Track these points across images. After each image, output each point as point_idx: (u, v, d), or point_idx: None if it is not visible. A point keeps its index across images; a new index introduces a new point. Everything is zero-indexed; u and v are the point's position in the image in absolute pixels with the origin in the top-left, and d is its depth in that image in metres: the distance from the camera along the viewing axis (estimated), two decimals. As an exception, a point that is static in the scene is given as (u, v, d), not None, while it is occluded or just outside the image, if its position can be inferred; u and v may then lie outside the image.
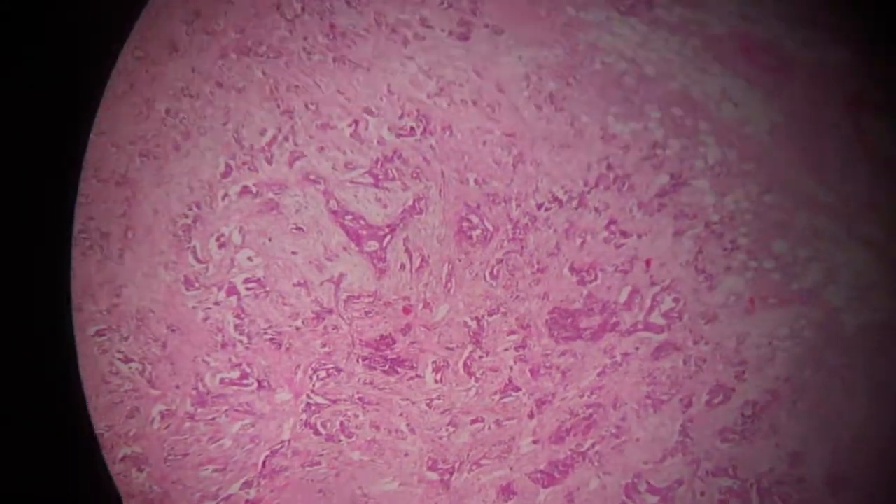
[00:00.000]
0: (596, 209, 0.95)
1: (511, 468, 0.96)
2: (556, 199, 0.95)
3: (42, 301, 0.95)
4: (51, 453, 0.96)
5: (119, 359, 0.96)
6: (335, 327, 0.97)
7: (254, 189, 0.97)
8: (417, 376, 0.97)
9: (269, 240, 0.97)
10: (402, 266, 0.97)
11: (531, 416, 0.96)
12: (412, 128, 0.96)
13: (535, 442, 0.96)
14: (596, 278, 0.96)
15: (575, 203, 0.95)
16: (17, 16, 0.89)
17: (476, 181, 0.96)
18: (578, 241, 0.95)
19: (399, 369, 0.97)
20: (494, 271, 0.96)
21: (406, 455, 0.96)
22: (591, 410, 0.96)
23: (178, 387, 0.96)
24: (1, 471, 0.94)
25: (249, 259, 0.97)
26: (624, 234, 0.95)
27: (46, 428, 0.96)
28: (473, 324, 0.96)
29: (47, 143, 0.95)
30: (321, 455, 0.96)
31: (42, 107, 0.94)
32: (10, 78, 0.92)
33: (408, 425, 0.96)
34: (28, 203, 0.94)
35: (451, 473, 0.96)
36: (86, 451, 0.96)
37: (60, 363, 0.95)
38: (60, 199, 0.95)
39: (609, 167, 0.95)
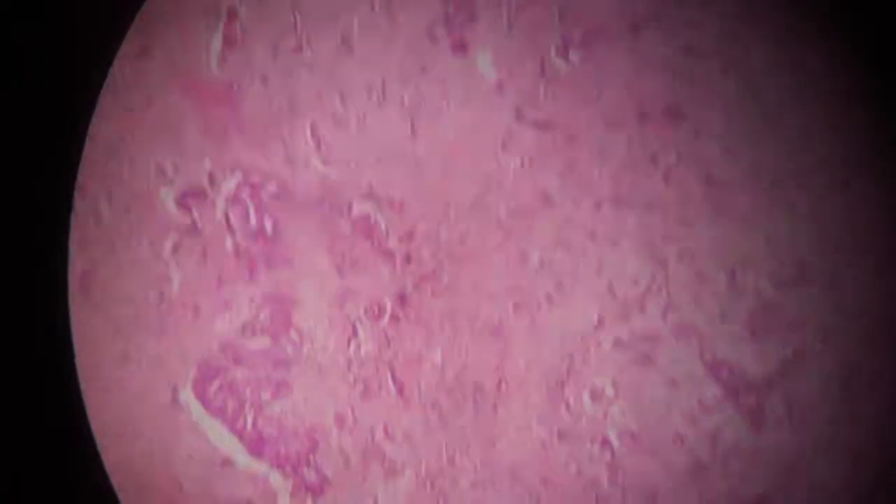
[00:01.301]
0: None
1: None
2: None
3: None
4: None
5: (493, 513, 0.95)
6: (712, 484, 0.94)
7: (627, 340, 0.95)
8: (800, 536, 0.93)
9: (643, 392, 0.95)
10: (779, 421, 0.94)
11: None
12: (795, 278, 0.94)
13: None
14: None
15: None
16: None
17: (859, 334, 0.93)
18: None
19: (781, 528, 0.93)
20: (883, 429, 0.93)
21: None
22: None
23: (552, 543, 0.95)
24: None
25: (623, 412, 0.95)
26: None
27: None
28: (860, 483, 0.93)
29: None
30: None
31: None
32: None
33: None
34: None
35: None
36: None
37: None
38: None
39: None
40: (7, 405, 0.88)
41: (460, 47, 0.95)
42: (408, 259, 0.96)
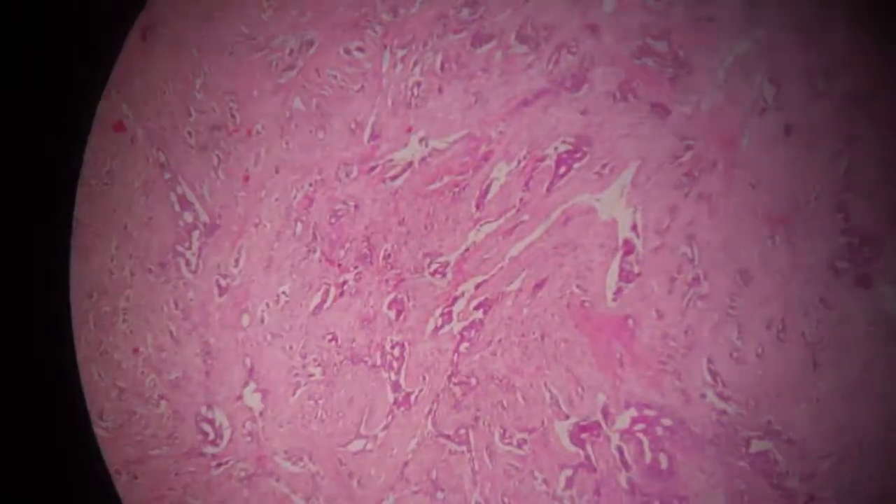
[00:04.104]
0: None
1: None
2: None
3: None
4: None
5: None
6: None
7: None
8: None
9: None
10: None
11: None
12: None
13: None
14: None
15: None
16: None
17: None
18: None
19: None
20: None
21: None
22: None
23: None
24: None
25: None
26: None
27: None
28: None
29: None
30: None
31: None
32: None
33: None
34: None
35: None
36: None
37: None
38: None
39: None
40: (6, 406, 0.87)
41: (864, 281, 0.92)
42: (810, 499, 0.92)
